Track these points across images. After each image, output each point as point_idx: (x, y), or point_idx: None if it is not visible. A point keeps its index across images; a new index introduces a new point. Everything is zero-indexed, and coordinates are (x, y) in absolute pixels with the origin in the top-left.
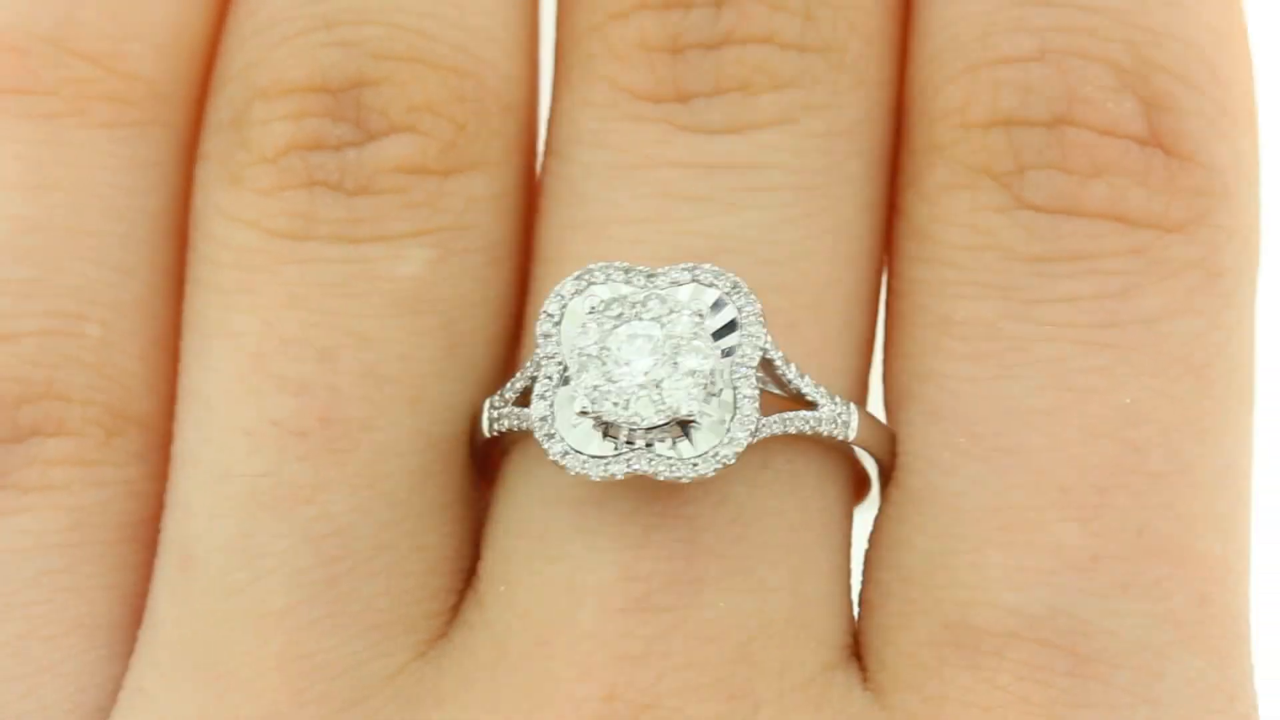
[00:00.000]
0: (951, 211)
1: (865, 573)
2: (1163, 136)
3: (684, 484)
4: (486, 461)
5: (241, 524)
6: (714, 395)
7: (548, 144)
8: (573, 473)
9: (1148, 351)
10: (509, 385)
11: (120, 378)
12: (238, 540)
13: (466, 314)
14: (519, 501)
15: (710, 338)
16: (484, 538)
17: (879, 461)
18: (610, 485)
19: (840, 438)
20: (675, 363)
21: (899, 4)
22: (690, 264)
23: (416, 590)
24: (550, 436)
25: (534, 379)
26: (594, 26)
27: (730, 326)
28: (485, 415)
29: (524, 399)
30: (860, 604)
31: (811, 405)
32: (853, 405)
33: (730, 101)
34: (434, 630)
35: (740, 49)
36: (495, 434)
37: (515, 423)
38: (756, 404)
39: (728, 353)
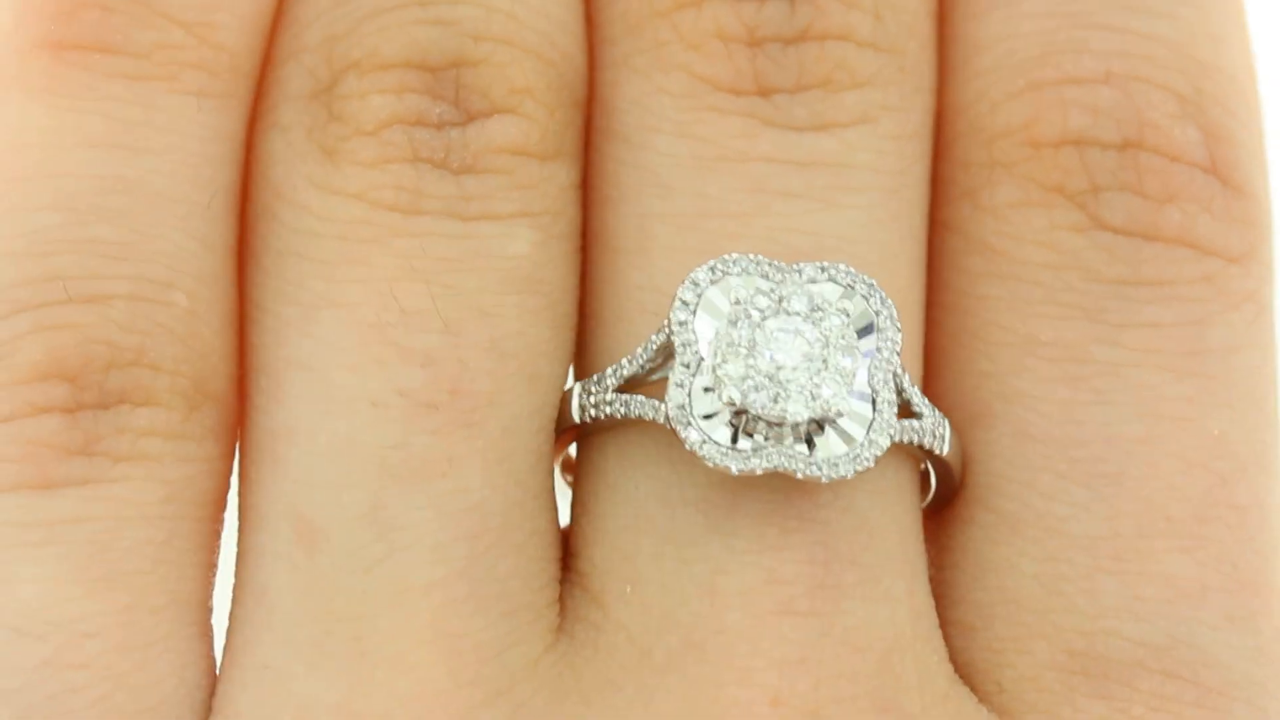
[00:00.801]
0: (1025, 229)
1: (949, 593)
2: (1220, 167)
3: (812, 489)
4: (557, 444)
5: (374, 495)
6: (855, 396)
7: (610, 131)
8: (711, 464)
9: (1223, 382)
10: (610, 372)
11: (203, 350)
12: (371, 513)
13: (565, 297)
14: (629, 497)
15: (856, 337)
16: (580, 533)
17: (953, 477)
18: (737, 488)
19: (937, 451)
20: (825, 360)
21: (937, 9)
22: (823, 262)
23: (538, 575)
24: (687, 424)
25: (644, 367)
26: (660, 13)
27: (868, 329)
28: (576, 400)
29: (628, 386)
30: (948, 623)
31: (916, 415)
32: (946, 421)
33: (814, 98)
34: (553, 621)
35: (820, 45)
36: (588, 420)
37: (622, 409)
38: (895, 409)
39: (865, 351)
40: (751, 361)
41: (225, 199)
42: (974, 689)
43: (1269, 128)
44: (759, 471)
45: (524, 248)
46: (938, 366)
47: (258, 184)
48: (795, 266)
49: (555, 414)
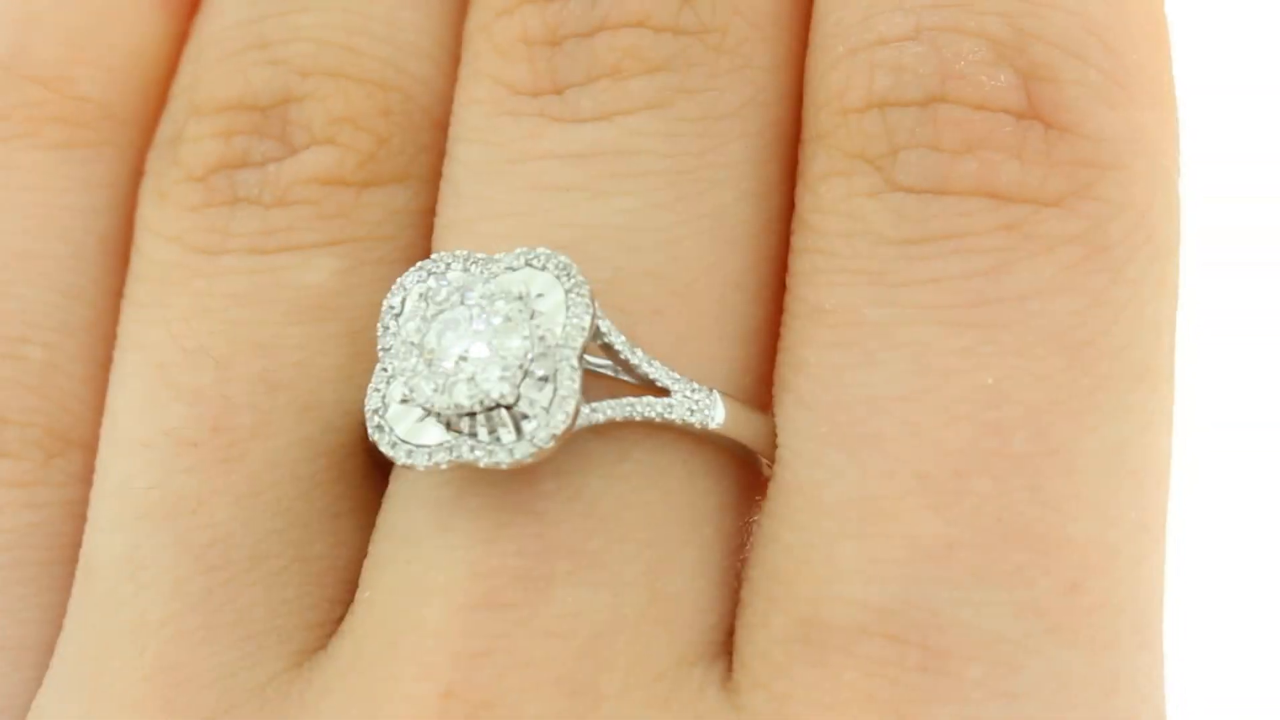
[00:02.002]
0: (828, 200)
1: (744, 571)
2: (1041, 107)
3: (537, 478)
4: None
5: (130, 536)
6: (534, 379)
7: (446, 145)
8: (400, 463)
9: (1015, 330)
10: None
11: (63, 400)
12: (126, 553)
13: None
14: (389, 506)
15: (529, 320)
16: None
17: (752, 455)
18: (463, 484)
19: (700, 425)
20: (491, 345)
21: None
22: (526, 249)
23: (296, 601)
24: (380, 429)
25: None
26: (482, 25)
27: (555, 309)
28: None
29: None
30: (738, 602)
31: (664, 392)
32: (716, 393)
33: (600, 88)
34: (313, 641)
35: (612, 34)
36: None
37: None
38: (576, 386)
39: (556, 339)
40: (419, 356)
41: (99, 247)
42: (729, 667)
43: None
44: (444, 465)
45: (319, 276)
46: (773, 348)
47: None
48: (497, 257)
49: (341, 440)
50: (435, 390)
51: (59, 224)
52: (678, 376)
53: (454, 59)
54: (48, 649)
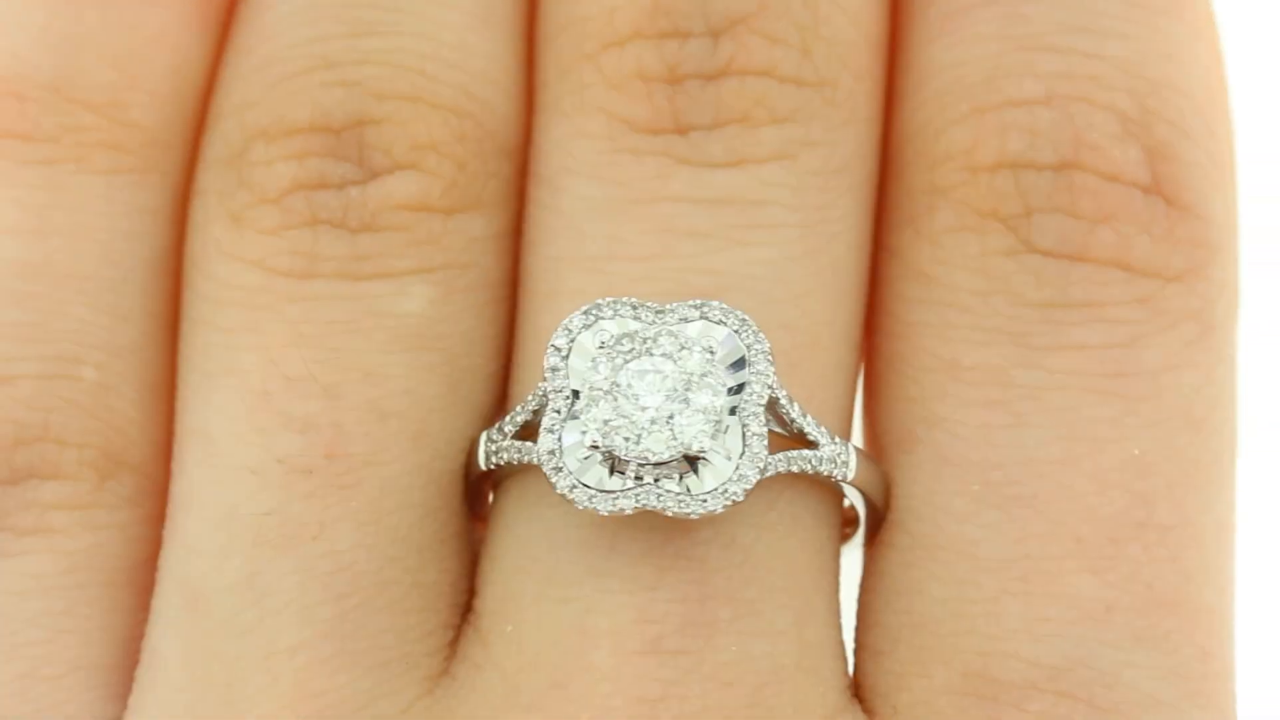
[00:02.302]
0: (958, 255)
1: (865, 616)
2: (1164, 185)
3: (692, 526)
4: (479, 496)
5: (249, 563)
6: (723, 432)
7: (534, 174)
8: (580, 506)
9: (1152, 403)
10: (508, 419)
11: (115, 421)
12: (245, 579)
13: (467, 350)
14: (521, 539)
15: (721, 374)
16: (481, 574)
17: (872, 503)
18: (617, 527)
19: (839, 478)
20: (686, 399)
21: (885, 42)
22: (698, 300)
23: (418, 627)
24: (558, 470)
25: (536, 413)
26: (587, 55)
27: (739, 364)
28: (482, 448)
29: (524, 433)
30: (860, 648)
31: (812, 444)
32: (850, 445)
33: (730, 134)
34: (436, 667)
35: (740, 81)
36: (492, 467)
37: (516, 456)
38: (765, 442)
39: (736, 390)
40: (613, 403)
41: (145, 272)
42: (873, 714)
43: (1243, 144)
44: (628, 511)
45: (417, 305)
46: (876, 392)
47: (184, 252)
48: (670, 306)
49: (447, 467)
50: (628, 440)
51: (108, 248)
52: (824, 430)
53: (521, 85)
54: (115, 669)
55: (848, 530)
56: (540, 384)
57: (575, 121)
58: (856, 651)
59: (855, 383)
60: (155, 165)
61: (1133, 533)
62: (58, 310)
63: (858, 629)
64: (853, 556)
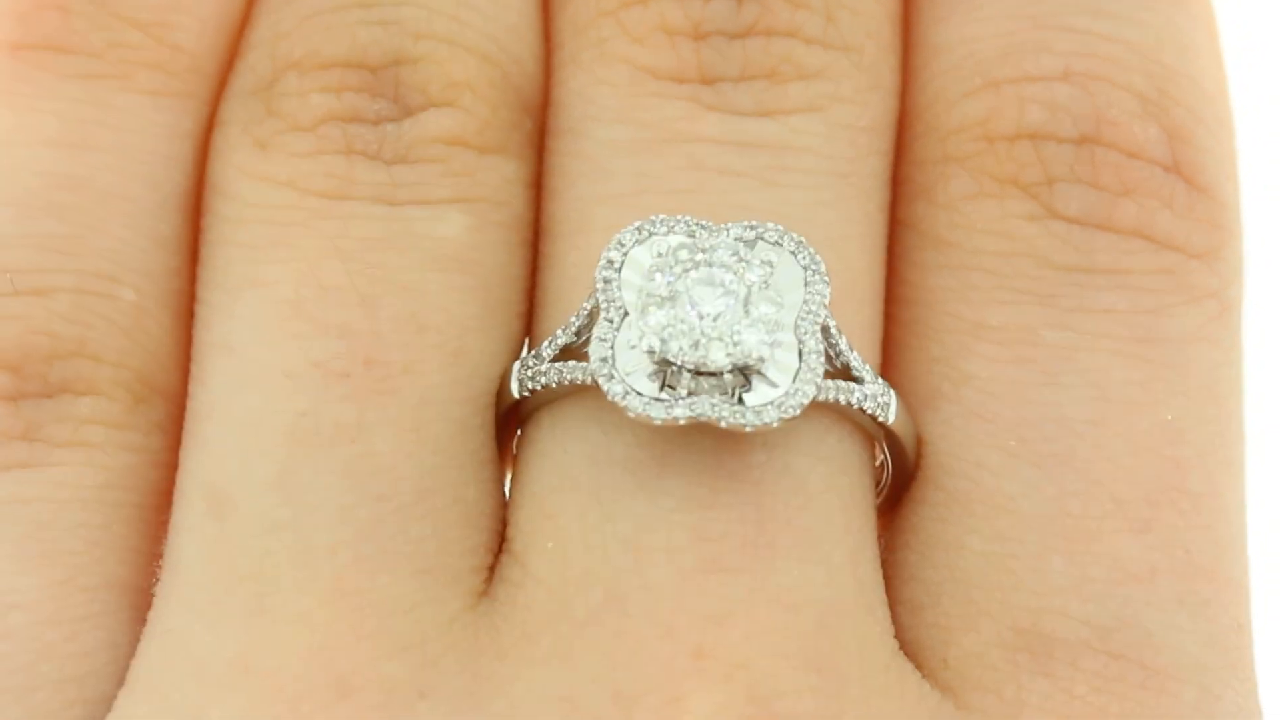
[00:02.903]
0: (978, 219)
1: (902, 570)
2: (1183, 166)
3: (746, 448)
4: (505, 434)
5: (282, 461)
6: (780, 347)
7: (554, 128)
8: (633, 414)
9: (1180, 371)
10: (546, 343)
11: (149, 344)
12: (279, 477)
13: (502, 282)
14: (557, 461)
15: (780, 289)
16: (512, 503)
17: (902, 456)
18: (667, 447)
19: (881, 419)
20: (747, 309)
21: (902, 19)
22: (753, 222)
23: (460, 541)
24: (610, 378)
25: (579, 333)
26: (606, 11)
27: (795, 284)
28: (515, 377)
29: (565, 355)
30: (895, 603)
31: (857, 379)
32: (892, 391)
33: (758, 87)
34: (478, 586)
35: (765, 39)
36: (527, 393)
37: (556, 377)
38: (822, 359)
39: (791, 304)
40: (672, 310)
41: (181, 198)
42: (919, 666)
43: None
44: (682, 421)
45: (453, 230)
46: (893, 358)
47: (205, 181)
48: (724, 226)
49: (485, 387)
50: (692, 345)
51: (148, 170)
52: (870, 369)
53: (544, 45)
54: (143, 592)
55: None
56: (584, 303)
57: (596, 71)
58: (892, 606)
59: (879, 346)
60: (194, 91)
61: (1169, 497)
62: (98, 227)
63: (892, 583)
64: None
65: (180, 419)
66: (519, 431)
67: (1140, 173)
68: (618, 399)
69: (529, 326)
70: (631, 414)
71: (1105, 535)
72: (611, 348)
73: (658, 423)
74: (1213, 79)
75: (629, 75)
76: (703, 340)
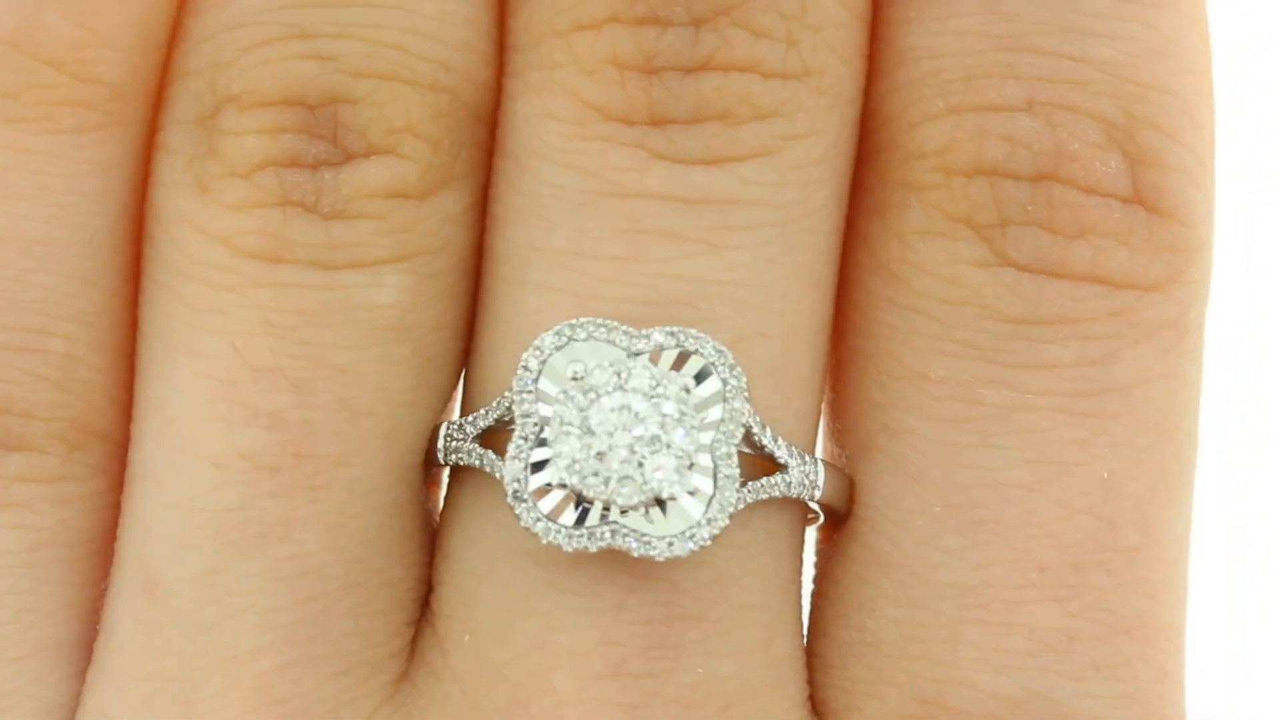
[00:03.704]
0: (928, 260)
1: (817, 624)
2: (1145, 194)
3: None
4: (434, 470)
5: (210, 558)
6: (693, 471)
7: (501, 145)
8: (545, 541)
9: (1123, 420)
10: (470, 419)
11: (83, 391)
12: (206, 575)
13: (438, 338)
14: (478, 543)
15: (695, 411)
16: (436, 571)
17: (838, 513)
18: None
19: (808, 498)
20: (658, 439)
21: (868, 11)
22: (674, 328)
23: (382, 629)
24: (522, 500)
25: (499, 420)
26: (558, 32)
27: (714, 399)
28: (441, 442)
29: (486, 439)
30: (812, 654)
31: (783, 468)
32: (820, 463)
33: (710, 131)
34: (397, 670)
35: (722, 77)
36: (450, 464)
37: (477, 462)
38: (736, 484)
39: (710, 427)
40: (585, 441)
41: (112, 231)
42: None
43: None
44: (593, 550)
45: (392, 295)
46: (840, 389)
47: (147, 202)
48: (645, 333)
49: (417, 460)
50: (603, 483)
51: (74, 210)
52: (795, 451)
53: (498, 49)
54: (77, 647)
55: (810, 516)
56: (505, 394)
57: (543, 100)
58: (809, 658)
59: (820, 396)
60: (120, 119)
61: (1098, 558)
62: (23, 279)
63: (810, 634)
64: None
65: (122, 454)
66: (445, 474)
67: (1097, 211)
68: (529, 526)
69: (467, 365)
70: (542, 541)
71: (1024, 605)
72: (525, 468)
73: (568, 551)
74: (1194, 78)
75: (576, 112)
76: (613, 479)
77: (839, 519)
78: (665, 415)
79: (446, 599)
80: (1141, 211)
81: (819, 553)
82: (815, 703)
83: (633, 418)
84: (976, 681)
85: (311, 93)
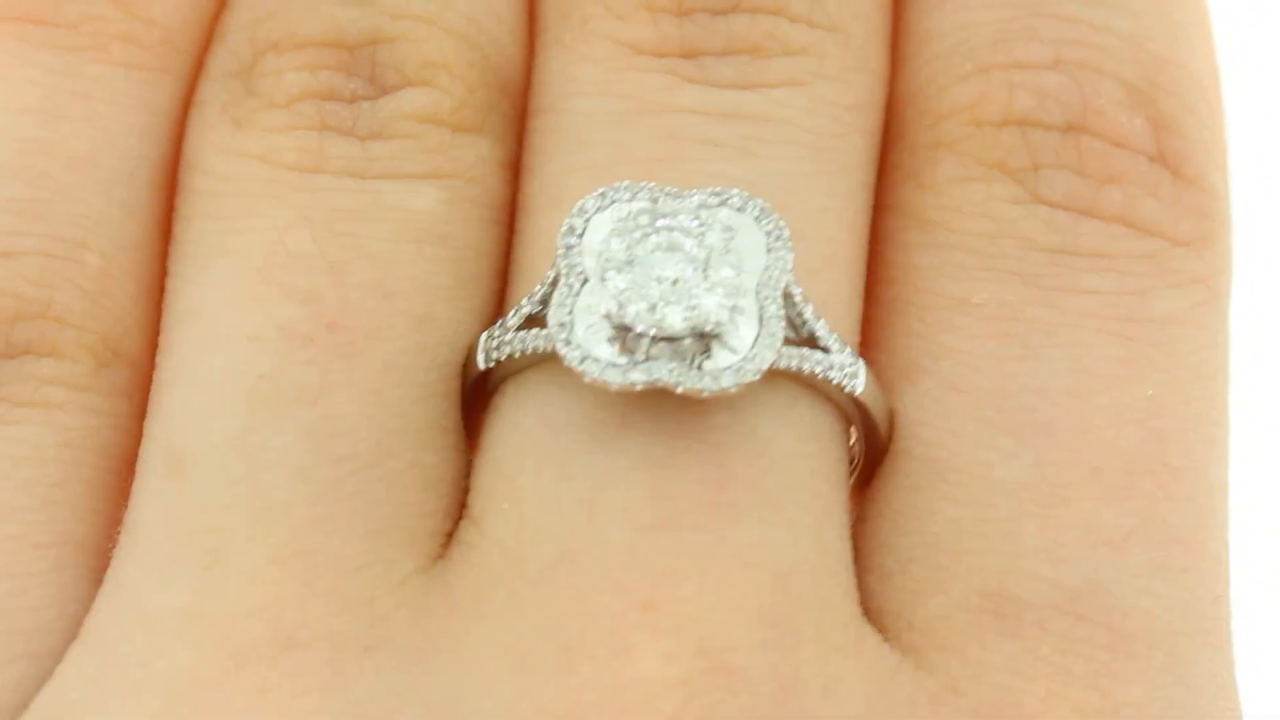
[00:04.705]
0: (964, 201)
1: (870, 541)
2: (1169, 157)
3: (709, 409)
4: (474, 408)
5: (242, 421)
6: (740, 313)
7: (535, 107)
8: (589, 379)
9: (1164, 350)
10: (512, 313)
11: (115, 311)
12: (237, 436)
13: (474, 257)
14: (518, 426)
15: (741, 254)
16: (476, 467)
17: (874, 431)
18: (628, 407)
19: (848, 389)
20: (705, 273)
21: (892, 6)
22: (718, 188)
23: (417, 504)
24: (568, 343)
25: (543, 302)
26: None
27: (758, 249)
28: (481, 348)
29: (529, 324)
30: (865, 571)
31: (824, 349)
32: (862, 361)
33: (740, 61)
34: (433, 550)
35: (750, 16)
36: (493, 363)
37: (519, 346)
38: (783, 324)
39: (752, 271)
40: (630, 275)
41: (152, 171)
42: (885, 631)
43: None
44: (639, 386)
45: (426, 204)
46: (873, 336)
47: (181, 153)
48: (688, 192)
49: (451, 356)
50: (649, 309)
51: (119, 140)
52: (837, 338)
53: (526, 28)
54: (100, 554)
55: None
56: (548, 272)
57: (577, 49)
58: (861, 576)
59: (859, 320)
60: (169, 66)
61: (1148, 468)
62: (66, 193)
63: (863, 553)
64: None
65: (145, 387)
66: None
67: (1125, 162)
68: (574, 364)
69: (502, 303)
70: (587, 379)
71: (1080, 501)
72: (570, 313)
73: (614, 388)
74: (1205, 69)
75: (610, 50)
76: (660, 305)
77: (876, 450)
78: (710, 249)
79: (485, 481)
80: (1166, 172)
81: (860, 501)
82: (873, 611)
83: (679, 253)
84: (1038, 571)
85: (351, 34)
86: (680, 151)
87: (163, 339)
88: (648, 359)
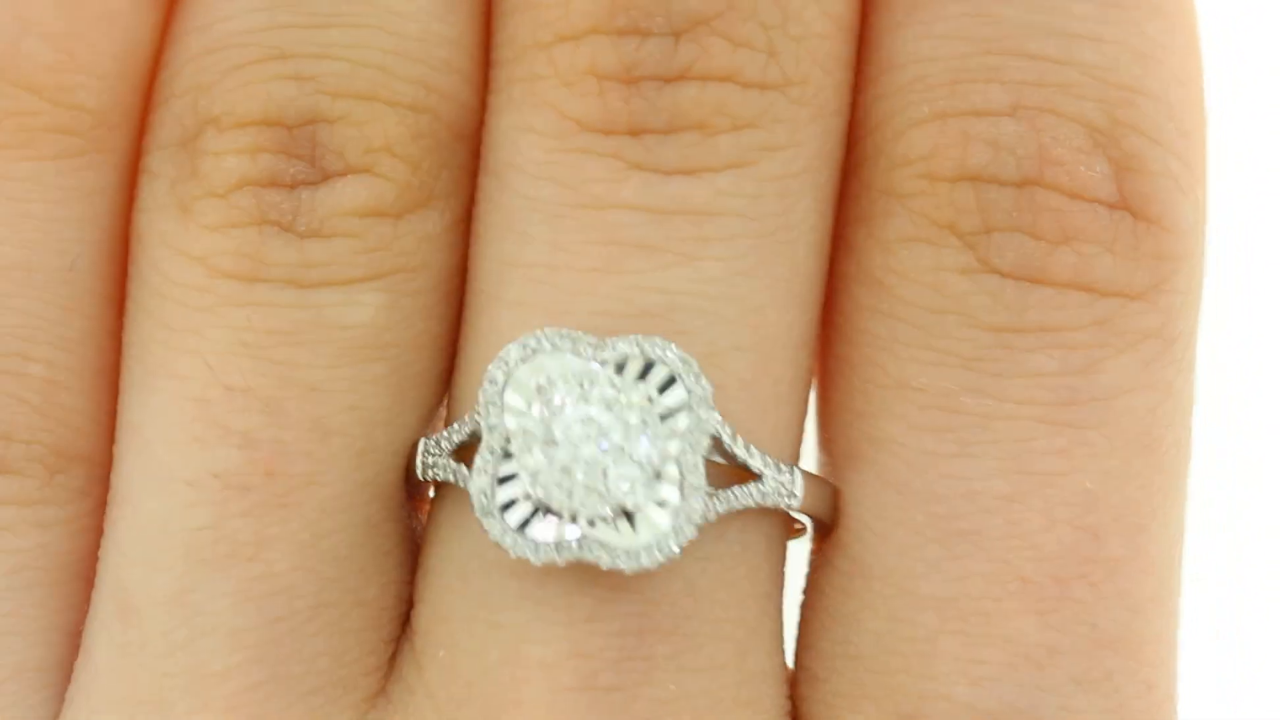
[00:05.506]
0: (911, 267)
1: (804, 635)
2: (1131, 200)
3: None
4: (420, 490)
5: (181, 579)
6: (659, 481)
7: (484, 162)
8: (513, 555)
9: (1105, 431)
10: (445, 435)
11: (64, 415)
12: (177, 596)
13: (417, 356)
14: (454, 557)
15: (659, 421)
16: (417, 587)
17: (821, 521)
18: None
19: (786, 507)
20: (622, 449)
21: (856, 23)
22: (640, 336)
23: (356, 648)
24: (489, 514)
25: (472, 434)
26: (541, 45)
27: (679, 408)
28: (420, 458)
29: (461, 453)
30: (799, 667)
31: (757, 477)
32: (796, 471)
33: (686, 141)
34: (373, 687)
35: (700, 86)
36: (428, 480)
37: (451, 476)
38: (703, 495)
39: (675, 436)
40: (550, 453)
41: (97, 254)
42: None
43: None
44: (560, 563)
45: (367, 314)
46: (827, 396)
47: (131, 226)
48: (609, 342)
49: (392, 479)
50: (566, 495)
51: (55, 237)
52: (769, 460)
53: (481, 67)
54: (59, 668)
55: (798, 527)
56: (475, 413)
57: (524, 114)
58: (795, 669)
59: (810, 384)
60: (103, 145)
61: (1079, 570)
62: (2, 304)
63: (798, 645)
64: (801, 546)
65: (105, 479)
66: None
67: (1082, 216)
68: (497, 539)
69: (448, 387)
70: (510, 555)
71: (1004, 616)
72: (491, 479)
73: (536, 564)
74: (1180, 84)
75: (555, 124)
76: (578, 490)
77: (826, 529)
78: (629, 425)
79: (424, 614)
80: (1128, 217)
81: (810, 564)
82: (801, 713)
83: (596, 429)
84: (953, 694)
85: (290, 113)
86: (617, 261)
87: (115, 449)
88: (572, 527)
